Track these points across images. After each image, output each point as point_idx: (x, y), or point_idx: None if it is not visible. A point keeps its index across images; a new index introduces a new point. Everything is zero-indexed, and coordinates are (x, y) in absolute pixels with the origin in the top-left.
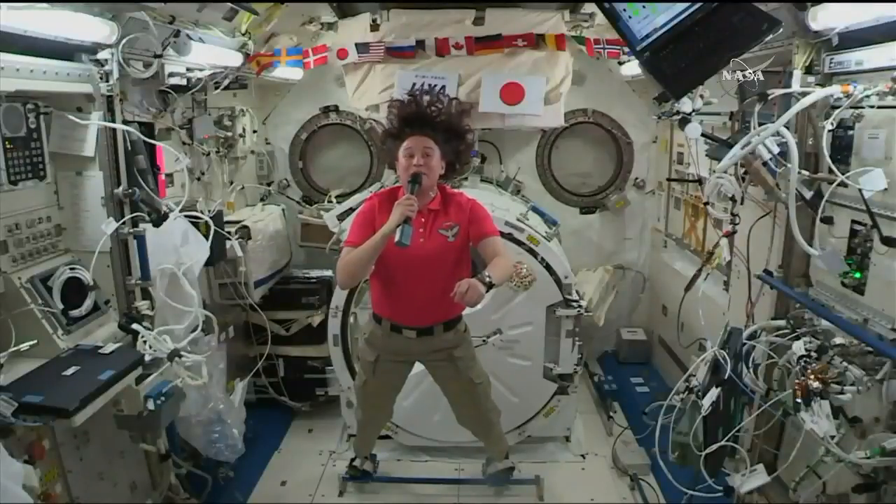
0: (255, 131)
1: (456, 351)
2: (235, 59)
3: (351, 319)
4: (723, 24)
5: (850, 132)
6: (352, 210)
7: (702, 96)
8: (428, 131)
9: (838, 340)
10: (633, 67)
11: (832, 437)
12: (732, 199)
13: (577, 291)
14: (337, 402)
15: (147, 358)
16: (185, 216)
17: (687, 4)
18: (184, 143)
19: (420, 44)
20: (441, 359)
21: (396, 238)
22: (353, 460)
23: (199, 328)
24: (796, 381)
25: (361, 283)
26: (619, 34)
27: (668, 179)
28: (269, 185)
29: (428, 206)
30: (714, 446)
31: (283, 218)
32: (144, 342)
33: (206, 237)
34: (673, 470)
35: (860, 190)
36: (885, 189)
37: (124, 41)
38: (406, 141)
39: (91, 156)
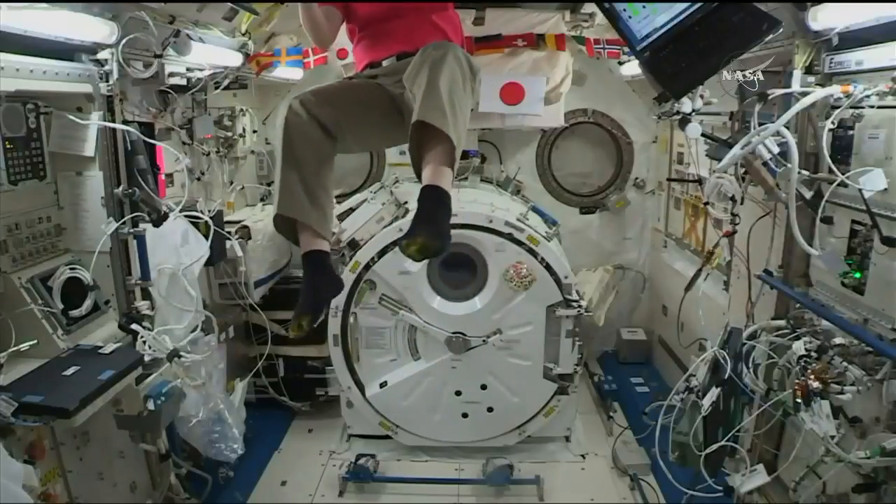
0: (255, 131)
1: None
2: (235, 59)
3: (351, 319)
4: (723, 24)
5: (850, 132)
6: (352, 210)
7: (702, 96)
8: None
9: (838, 340)
10: (633, 67)
11: (832, 437)
12: (732, 199)
13: (577, 291)
14: (337, 402)
15: (147, 358)
16: (185, 216)
17: (687, 4)
18: (184, 143)
19: None
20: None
21: None
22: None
23: (199, 328)
24: (796, 381)
25: (363, 282)
26: (619, 34)
27: (668, 179)
28: (269, 185)
29: None
30: (714, 446)
31: None
32: (144, 342)
33: (206, 237)
34: (673, 470)
35: (860, 190)
36: (885, 189)
37: (124, 41)
38: None
39: (91, 156)
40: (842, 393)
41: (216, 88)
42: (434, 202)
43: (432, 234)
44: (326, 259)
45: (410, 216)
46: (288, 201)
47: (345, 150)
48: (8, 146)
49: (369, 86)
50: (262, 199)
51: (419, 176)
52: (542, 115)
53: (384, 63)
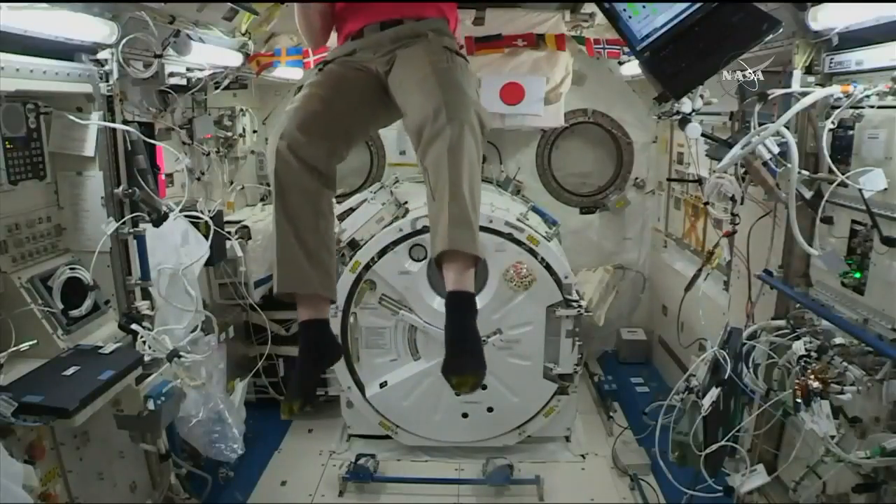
0: (255, 131)
1: (432, 35)
2: (235, 59)
3: (351, 319)
4: (723, 24)
5: (850, 132)
6: (352, 210)
7: (702, 96)
8: None
9: (838, 340)
10: (633, 67)
11: (832, 437)
12: (732, 199)
13: (577, 291)
14: (337, 402)
15: (147, 358)
16: (185, 216)
17: (687, 4)
18: (184, 143)
19: None
20: (409, 44)
21: None
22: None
23: (199, 328)
24: (796, 381)
25: (363, 282)
26: (619, 34)
27: (668, 179)
28: (269, 185)
29: None
30: (714, 446)
31: None
32: (144, 342)
33: (206, 237)
34: (673, 470)
35: (860, 190)
36: (885, 189)
37: (124, 41)
38: None
39: (91, 156)
40: (842, 393)
41: (216, 88)
42: (466, 315)
43: (477, 366)
44: (327, 327)
45: (410, 216)
46: (288, 275)
47: (340, 161)
48: (8, 146)
49: (351, 74)
50: (262, 199)
51: (440, 268)
52: (542, 115)
53: (366, 33)
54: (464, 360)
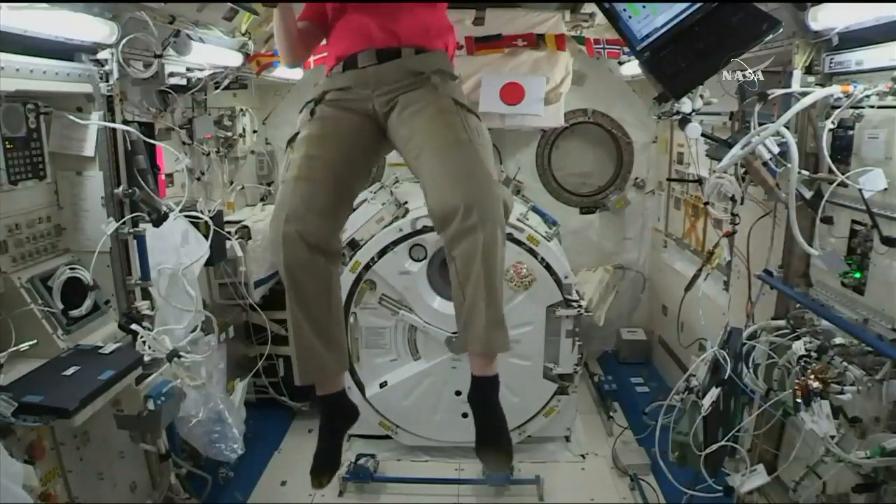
0: (255, 131)
1: (436, 78)
2: (235, 59)
3: (351, 319)
4: (723, 24)
5: (850, 132)
6: (352, 210)
7: (702, 96)
8: None
9: (838, 340)
10: (633, 67)
11: (832, 437)
12: (732, 199)
13: (577, 291)
14: None
15: (147, 358)
16: (185, 216)
17: (687, 4)
18: (184, 143)
19: None
20: (412, 87)
21: None
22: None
23: (199, 328)
24: (796, 381)
25: (363, 282)
26: (619, 34)
27: (668, 179)
28: (269, 185)
29: None
30: (714, 446)
31: None
32: (144, 342)
33: (206, 237)
34: (673, 470)
35: (860, 190)
36: (885, 189)
37: (124, 41)
38: None
39: (91, 156)
40: (842, 393)
41: (216, 88)
42: (493, 397)
43: (508, 446)
44: (344, 397)
45: (410, 216)
46: (308, 367)
47: (342, 226)
48: (8, 146)
49: (348, 121)
50: (262, 199)
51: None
52: (542, 115)
53: (360, 60)
54: (496, 443)
